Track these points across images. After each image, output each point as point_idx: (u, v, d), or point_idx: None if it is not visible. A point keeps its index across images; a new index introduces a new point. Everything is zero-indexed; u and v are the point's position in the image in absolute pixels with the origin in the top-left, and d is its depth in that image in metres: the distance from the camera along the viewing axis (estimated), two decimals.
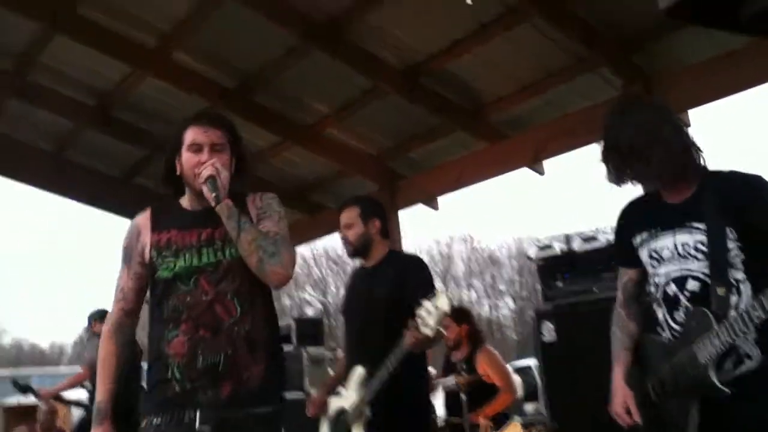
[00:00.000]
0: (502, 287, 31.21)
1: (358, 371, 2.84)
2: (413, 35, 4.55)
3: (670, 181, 2.06)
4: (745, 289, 1.95)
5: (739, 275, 1.96)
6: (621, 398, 2.17)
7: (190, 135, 2.10)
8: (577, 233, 4.11)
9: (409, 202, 6.07)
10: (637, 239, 2.17)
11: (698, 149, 2.05)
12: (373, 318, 2.93)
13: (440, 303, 2.44)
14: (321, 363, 5.87)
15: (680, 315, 2.03)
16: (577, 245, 4.07)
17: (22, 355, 34.95)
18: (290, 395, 5.68)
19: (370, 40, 4.59)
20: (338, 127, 5.63)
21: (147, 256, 2.11)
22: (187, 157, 2.09)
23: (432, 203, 6.06)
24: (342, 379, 3.02)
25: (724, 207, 1.97)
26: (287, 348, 5.96)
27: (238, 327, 2.01)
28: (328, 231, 6.95)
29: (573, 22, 4.12)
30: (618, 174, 2.07)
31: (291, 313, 25.23)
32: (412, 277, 2.92)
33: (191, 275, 2.04)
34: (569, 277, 4.08)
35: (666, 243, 2.07)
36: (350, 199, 3.25)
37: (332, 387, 3.11)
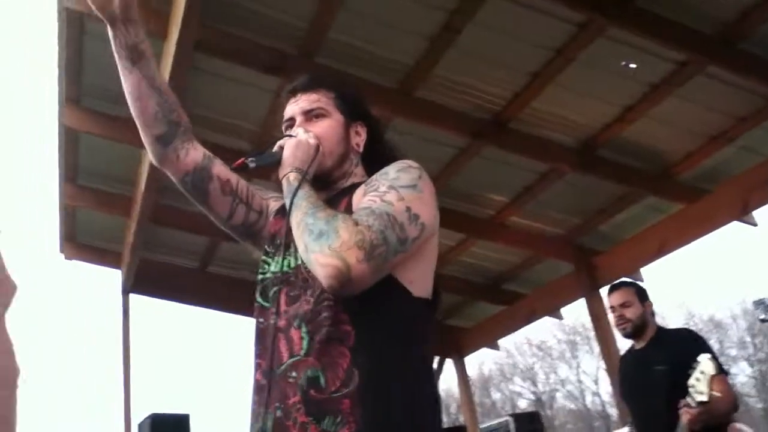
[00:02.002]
0: (732, 352, 28.12)
1: None
2: (580, 111, 4.49)
3: None
4: None
5: None
6: None
7: (284, 113, 1.54)
8: None
9: (609, 279, 5.76)
10: None
11: None
12: (656, 398, 2.92)
13: (705, 368, 2.46)
14: None
15: None
16: None
17: None
18: None
19: (538, 125, 4.59)
20: (520, 214, 5.59)
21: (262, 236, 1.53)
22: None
23: (635, 276, 5.72)
24: None
25: None
26: None
27: (297, 372, 1.23)
28: (528, 319, 6.79)
29: (748, 61, 3.85)
30: None
31: (504, 409, 24.46)
32: (690, 347, 2.89)
33: (274, 286, 1.39)
34: None
35: None
36: (620, 282, 3.42)
37: None
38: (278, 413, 1.21)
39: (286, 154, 1.39)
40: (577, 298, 6.12)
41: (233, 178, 1.52)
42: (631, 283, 3.38)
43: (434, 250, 1.39)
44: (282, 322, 1.30)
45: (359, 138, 1.51)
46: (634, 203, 5.29)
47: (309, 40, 3.88)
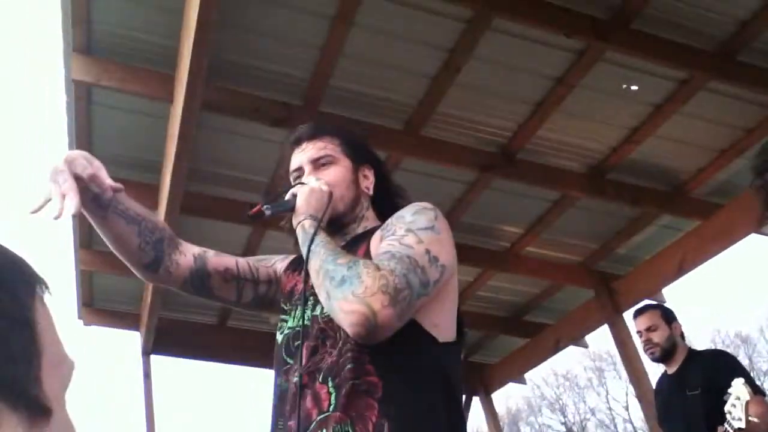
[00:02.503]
0: (764, 366, 27.55)
1: None
2: (587, 137, 4.50)
3: None
4: None
5: None
6: None
7: (290, 163, 1.55)
8: None
9: (631, 302, 5.70)
10: None
11: None
12: (693, 424, 2.91)
13: (740, 393, 2.44)
14: None
15: None
16: None
17: None
18: None
19: (545, 154, 4.59)
20: (536, 243, 5.56)
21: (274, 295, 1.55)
22: None
23: (657, 297, 5.64)
24: None
25: None
26: None
27: (327, 429, 1.19)
28: (553, 350, 6.69)
29: (749, 73, 3.86)
30: None
31: None
32: (723, 371, 2.89)
33: (295, 341, 1.33)
34: None
35: None
36: (645, 305, 3.41)
37: None
38: None
39: (300, 202, 1.39)
40: (600, 325, 6.03)
41: (231, 263, 1.53)
42: (656, 305, 3.38)
43: (455, 290, 1.39)
44: (306, 379, 1.26)
45: (368, 181, 1.53)
46: (649, 224, 5.25)
47: (312, 89, 3.93)
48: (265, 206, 1.40)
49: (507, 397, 29.11)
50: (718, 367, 2.95)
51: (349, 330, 1.16)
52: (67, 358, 0.59)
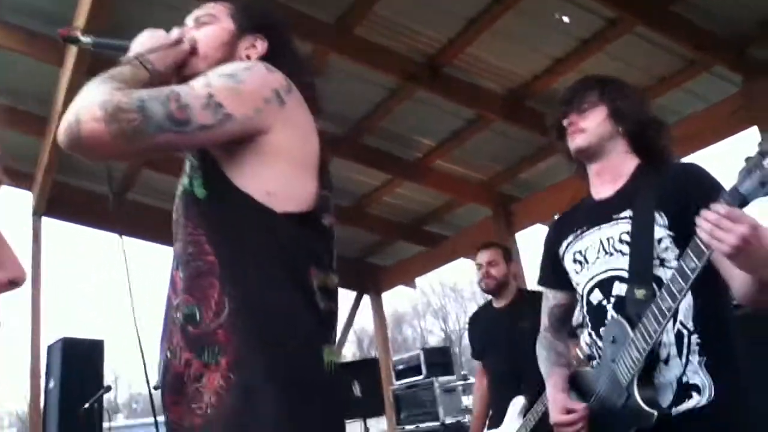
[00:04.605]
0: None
1: (522, 402, 2.94)
2: (512, 60, 4.56)
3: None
4: None
5: (669, 273, 1.52)
6: (558, 405, 1.74)
7: None
8: None
9: (524, 225, 6.01)
10: (562, 247, 1.83)
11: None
12: (524, 353, 3.01)
13: None
14: (453, 391, 5.85)
15: (605, 331, 1.65)
16: None
17: None
18: (425, 426, 5.73)
19: (469, 71, 4.63)
20: (446, 158, 5.69)
21: None
22: None
23: (549, 223, 5.95)
24: (487, 413, 3.20)
25: (656, 193, 1.62)
26: (417, 378, 6.00)
27: (179, 312, 1.20)
28: (446, 260, 7.01)
29: (678, 24, 3.99)
30: None
31: (415, 344, 25.32)
32: None
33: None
34: None
35: (591, 242, 1.73)
36: (490, 242, 3.57)
37: (483, 421, 3.29)
38: (168, 354, 1.20)
39: (136, 42, 1.32)
40: None
41: None
42: (498, 243, 3.58)
43: (294, 154, 1.25)
44: (172, 266, 1.27)
45: (253, 51, 1.40)
46: (554, 155, 5.43)
47: None
48: (87, 34, 1.31)
49: (396, 300, 30.37)
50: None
51: (59, 140, 1.11)
52: None
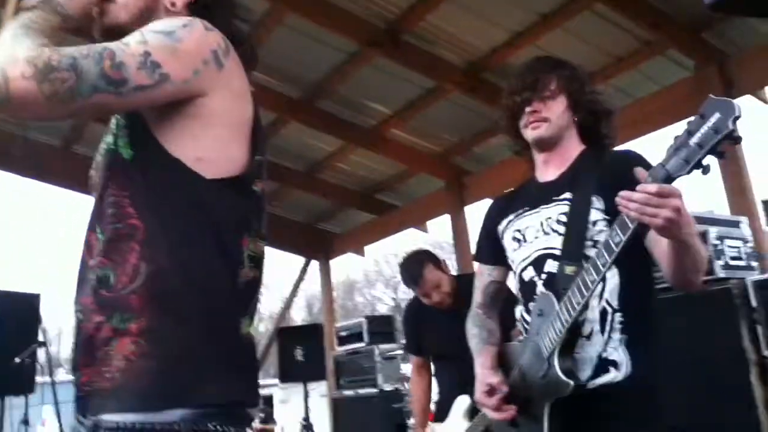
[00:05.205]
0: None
1: (467, 402, 2.87)
2: (472, 32, 4.52)
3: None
4: (611, 275, 1.59)
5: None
6: (482, 382, 1.81)
7: None
8: None
9: (476, 198, 6.04)
10: (503, 225, 1.88)
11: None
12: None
13: None
14: (393, 360, 5.90)
15: (534, 305, 1.71)
16: None
17: None
18: (364, 392, 5.77)
19: (429, 40, 4.58)
20: (402, 127, 5.65)
21: None
22: None
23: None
24: (428, 409, 3.21)
25: (595, 178, 1.67)
26: (359, 345, 6.02)
27: (93, 274, 1.15)
28: (397, 230, 7.01)
29: (636, 4, 4.00)
30: None
31: (365, 312, 25.50)
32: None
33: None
34: None
35: (531, 221, 1.78)
36: (419, 255, 3.30)
37: (424, 416, 3.27)
38: (79, 315, 1.16)
39: None
40: (443, 214, 6.37)
41: None
42: (427, 255, 3.31)
43: (229, 119, 1.19)
44: (88, 223, 1.21)
45: None
46: None
47: None
48: None
49: (348, 268, 30.45)
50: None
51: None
52: None
